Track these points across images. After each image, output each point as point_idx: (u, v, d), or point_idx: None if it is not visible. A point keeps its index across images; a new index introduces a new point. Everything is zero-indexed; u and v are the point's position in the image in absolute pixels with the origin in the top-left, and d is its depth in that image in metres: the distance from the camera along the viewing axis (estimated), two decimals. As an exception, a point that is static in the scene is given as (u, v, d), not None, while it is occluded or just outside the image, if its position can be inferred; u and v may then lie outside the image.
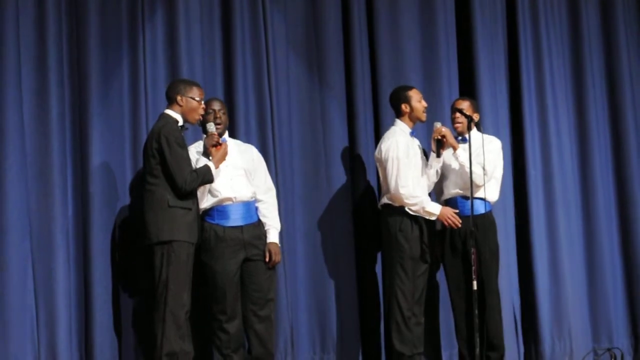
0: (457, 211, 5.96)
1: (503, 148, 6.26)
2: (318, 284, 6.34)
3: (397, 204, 5.91)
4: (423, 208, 5.88)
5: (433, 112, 6.41)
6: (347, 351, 6.35)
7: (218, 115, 5.65)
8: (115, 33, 5.99)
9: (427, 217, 5.93)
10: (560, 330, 6.69)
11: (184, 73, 6.01)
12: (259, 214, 5.71)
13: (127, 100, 5.98)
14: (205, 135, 5.60)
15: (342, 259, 6.38)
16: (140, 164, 5.74)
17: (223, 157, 5.50)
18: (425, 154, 6.15)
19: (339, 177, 6.46)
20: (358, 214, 6.43)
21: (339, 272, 6.37)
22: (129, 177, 5.92)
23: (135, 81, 5.99)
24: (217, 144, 5.50)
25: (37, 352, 5.63)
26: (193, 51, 6.13)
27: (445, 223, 5.93)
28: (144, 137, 5.75)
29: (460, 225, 5.92)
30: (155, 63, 6.04)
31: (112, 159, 5.90)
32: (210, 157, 5.47)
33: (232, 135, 5.96)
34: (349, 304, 6.36)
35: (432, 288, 6.25)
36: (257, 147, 5.98)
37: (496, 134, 6.42)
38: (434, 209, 5.91)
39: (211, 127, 5.55)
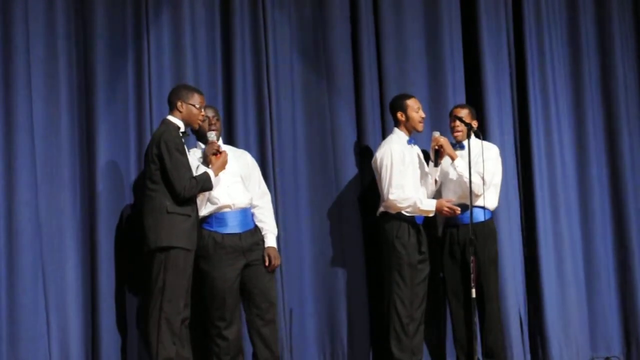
0: (452, 200, 5.94)
1: (509, 154, 6.23)
2: (326, 290, 6.33)
3: (392, 211, 5.91)
4: (418, 208, 5.87)
5: (439, 118, 6.41)
6: (358, 358, 6.33)
7: (212, 122, 5.65)
8: (121, 36, 6.03)
9: (426, 215, 5.92)
10: (567, 336, 6.64)
11: (188, 76, 6.04)
12: (255, 219, 5.73)
13: (132, 102, 6.00)
14: (200, 143, 5.64)
15: (351, 264, 6.36)
16: (145, 167, 5.80)
17: (223, 166, 5.51)
18: (427, 160, 6.13)
19: (348, 180, 6.44)
20: (367, 219, 6.37)
21: (347, 278, 6.35)
22: (134, 179, 5.96)
23: (140, 84, 6.02)
24: (217, 152, 5.53)
25: (49, 356, 5.69)
26: (198, 54, 6.16)
27: (445, 214, 5.91)
28: (148, 139, 5.76)
29: (459, 212, 5.89)
30: (160, 66, 6.07)
31: (119, 160, 5.94)
32: (210, 165, 5.49)
33: (232, 141, 6.02)
34: (358, 310, 6.33)
35: (439, 294, 6.23)
36: (257, 153, 6.02)
37: (502, 141, 6.38)
38: (429, 206, 5.89)
39: (211, 135, 5.58)
